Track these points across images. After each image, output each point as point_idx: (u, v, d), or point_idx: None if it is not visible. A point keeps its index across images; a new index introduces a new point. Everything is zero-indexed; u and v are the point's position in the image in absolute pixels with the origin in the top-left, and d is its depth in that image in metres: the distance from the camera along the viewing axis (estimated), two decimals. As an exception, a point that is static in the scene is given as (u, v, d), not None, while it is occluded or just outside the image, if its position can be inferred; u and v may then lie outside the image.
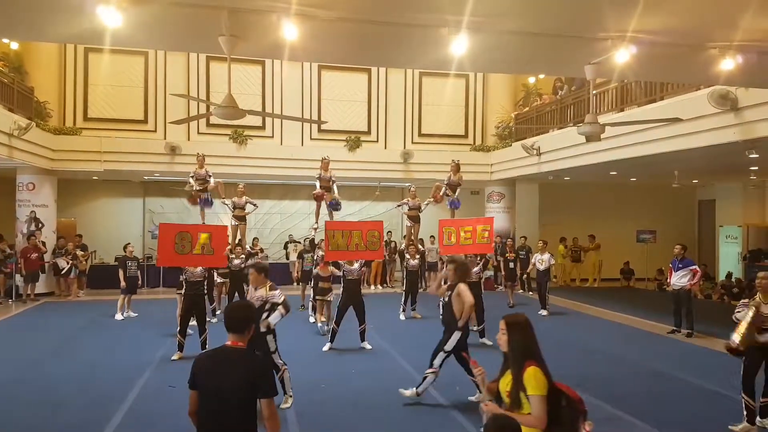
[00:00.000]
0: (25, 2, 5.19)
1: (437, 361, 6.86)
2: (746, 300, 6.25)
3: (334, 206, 12.12)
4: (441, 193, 12.50)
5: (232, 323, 3.42)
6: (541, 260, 14.01)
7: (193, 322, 9.41)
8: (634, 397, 7.44)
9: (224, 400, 3.23)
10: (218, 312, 12.73)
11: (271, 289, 6.63)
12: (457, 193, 12.42)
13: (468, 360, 3.61)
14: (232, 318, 3.45)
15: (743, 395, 6.16)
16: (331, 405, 7.06)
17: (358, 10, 5.42)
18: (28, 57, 16.09)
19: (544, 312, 13.66)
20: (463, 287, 6.72)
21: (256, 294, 6.66)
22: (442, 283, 7.42)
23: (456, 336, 6.77)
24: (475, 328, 10.55)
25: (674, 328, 11.45)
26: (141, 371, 8.21)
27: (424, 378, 6.97)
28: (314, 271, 11.70)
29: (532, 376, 3.26)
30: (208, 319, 9.94)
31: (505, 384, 3.40)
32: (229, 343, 3.39)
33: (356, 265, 10.01)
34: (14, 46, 15.57)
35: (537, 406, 3.22)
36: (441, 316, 7.06)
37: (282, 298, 6.59)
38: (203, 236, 9.22)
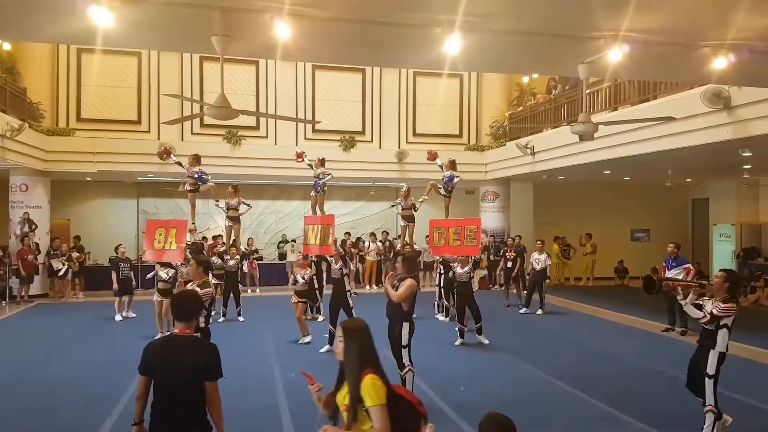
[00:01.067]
0: (15, 2, 5.16)
1: (405, 360, 6.80)
2: (706, 298, 6.05)
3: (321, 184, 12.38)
4: (439, 187, 12.63)
5: (180, 312, 3.61)
6: (537, 260, 14.05)
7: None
8: (631, 396, 7.46)
9: (179, 384, 3.44)
10: (212, 313, 12.69)
11: (203, 286, 6.20)
12: (454, 179, 12.51)
13: (307, 377, 3.51)
14: (180, 307, 3.64)
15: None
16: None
17: (352, 9, 5.41)
18: (20, 58, 15.99)
19: (539, 311, 13.73)
20: (408, 282, 6.62)
21: (187, 285, 6.71)
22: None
23: (406, 327, 6.75)
24: (466, 328, 10.57)
25: (668, 326, 11.47)
26: (135, 373, 8.15)
27: (404, 380, 6.83)
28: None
29: (369, 386, 2.99)
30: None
31: (342, 397, 3.15)
32: (177, 331, 3.59)
33: (338, 264, 10.04)
34: (6, 46, 15.48)
35: (378, 417, 2.95)
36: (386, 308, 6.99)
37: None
38: (173, 231, 9.57)
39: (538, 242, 14.75)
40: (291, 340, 10.43)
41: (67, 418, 6.62)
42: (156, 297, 10.60)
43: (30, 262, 14.96)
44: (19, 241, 15.27)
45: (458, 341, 10.38)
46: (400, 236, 14.30)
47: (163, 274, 10.60)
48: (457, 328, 10.57)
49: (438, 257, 12.81)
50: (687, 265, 11.19)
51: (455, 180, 12.46)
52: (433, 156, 13.08)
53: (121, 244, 13.57)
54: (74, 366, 8.69)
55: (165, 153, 12.13)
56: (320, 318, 12.41)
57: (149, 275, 11.32)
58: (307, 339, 10.28)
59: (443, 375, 8.33)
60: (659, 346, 10.57)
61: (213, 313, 12.67)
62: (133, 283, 13.34)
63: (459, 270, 10.64)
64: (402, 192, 13.26)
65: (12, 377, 8.17)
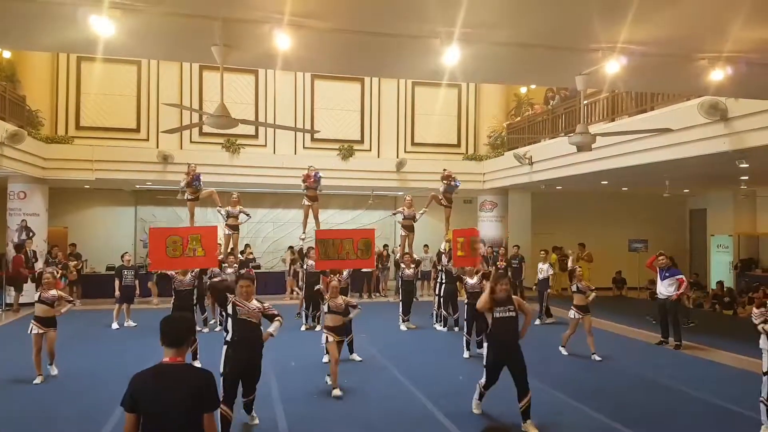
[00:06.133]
0: (16, 11, 5.18)
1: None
2: (763, 309, 6.50)
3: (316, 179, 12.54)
4: (440, 198, 12.92)
5: (170, 338, 3.26)
6: (541, 269, 14.09)
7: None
8: (630, 407, 7.44)
9: (170, 418, 3.11)
10: (211, 321, 12.69)
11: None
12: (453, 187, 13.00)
13: None
14: (170, 332, 3.28)
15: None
16: (323, 416, 7.01)
17: (351, 20, 5.45)
18: (20, 65, 16.02)
19: (546, 320, 13.70)
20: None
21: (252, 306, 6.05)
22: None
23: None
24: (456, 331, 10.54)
25: (662, 339, 11.38)
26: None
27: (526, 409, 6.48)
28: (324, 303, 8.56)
29: None
30: (198, 329, 9.88)
31: None
32: (167, 359, 3.24)
33: (344, 274, 9.98)
34: (6, 54, 15.53)
35: None
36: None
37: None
38: (193, 238, 9.16)
39: (542, 252, 14.81)
40: (289, 350, 10.39)
41: (63, 427, 6.59)
42: (35, 329, 8.29)
43: (23, 274, 14.85)
44: (15, 248, 15.26)
45: (466, 353, 10.28)
46: (399, 246, 14.30)
47: (49, 294, 8.40)
48: (465, 341, 10.43)
49: (440, 267, 12.84)
50: (680, 276, 11.28)
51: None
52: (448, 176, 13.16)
53: (127, 252, 13.77)
54: (70, 375, 8.61)
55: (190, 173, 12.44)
56: (318, 328, 12.37)
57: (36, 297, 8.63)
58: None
59: (442, 385, 8.30)
60: (656, 357, 10.54)
61: (211, 321, 12.69)
62: (137, 291, 13.33)
63: (470, 281, 10.57)
64: (406, 201, 13.29)
65: (8, 385, 8.13)
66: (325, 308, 8.20)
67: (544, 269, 14.22)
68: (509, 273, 15.81)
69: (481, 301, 6.67)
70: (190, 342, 3.34)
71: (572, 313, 10.33)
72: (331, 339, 7.86)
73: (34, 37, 6.09)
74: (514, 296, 6.80)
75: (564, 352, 10.45)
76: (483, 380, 6.79)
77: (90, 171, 16.01)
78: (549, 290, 14.43)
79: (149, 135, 17.28)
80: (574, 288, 10.45)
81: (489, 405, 7.15)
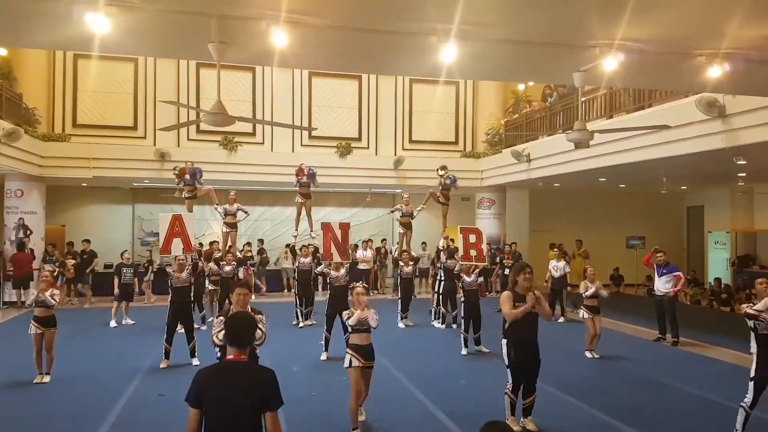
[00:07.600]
0: (11, 8, 5.16)
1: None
2: (750, 303, 6.38)
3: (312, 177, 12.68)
4: (438, 195, 12.95)
5: (235, 337, 3.31)
6: (556, 267, 14.04)
7: (181, 330, 9.32)
8: (628, 404, 7.46)
9: (233, 416, 3.13)
10: (209, 319, 12.66)
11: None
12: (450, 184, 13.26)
13: None
14: (234, 332, 3.34)
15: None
16: (322, 414, 7.01)
17: (348, 17, 5.43)
18: (16, 63, 15.97)
19: (561, 319, 13.66)
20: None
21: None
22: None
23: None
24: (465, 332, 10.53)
25: (660, 336, 11.44)
26: (129, 380, 8.13)
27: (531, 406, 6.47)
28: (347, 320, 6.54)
29: None
30: (196, 326, 9.85)
31: None
32: (231, 357, 3.29)
33: (342, 271, 9.99)
34: (2, 52, 15.49)
35: None
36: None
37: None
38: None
39: (555, 249, 14.75)
40: (286, 348, 10.39)
41: (61, 426, 6.59)
42: (34, 329, 8.20)
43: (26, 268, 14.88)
44: (13, 246, 15.24)
45: (464, 350, 10.26)
46: (398, 244, 14.29)
47: (49, 297, 8.16)
48: (462, 338, 10.41)
49: (439, 264, 12.87)
50: (677, 273, 11.32)
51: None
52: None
53: (126, 251, 13.80)
54: (68, 373, 8.58)
55: (181, 174, 12.61)
56: (309, 322, 12.40)
57: (30, 300, 8.74)
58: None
59: (441, 384, 8.31)
60: (654, 354, 10.57)
61: (209, 319, 12.67)
62: (135, 289, 13.32)
63: (467, 279, 10.55)
64: (404, 198, 13.29)
65: (7, 385, 8.12)
66: (349, 327, 6.53)
67: (559, 267, 13.95)
68: (505, 271, 15.84)
69: (508, 313, 6.17)
70: (252, 341, 3.39)
71: (582, 313, 10.15)
72: (356, 363, 6.23)
73: (30, 35, 6.06)
74: (535, 291, 6.29)
75: (589, 355, 10.10)
76: (509, 384, 6.35)
77: (87, 169, 15.98)
78: (568, 288, 14.09)
79: (146, 133, 17.24)
80: (584, 290, 10.07)
81: (487, 400, 7.17)
